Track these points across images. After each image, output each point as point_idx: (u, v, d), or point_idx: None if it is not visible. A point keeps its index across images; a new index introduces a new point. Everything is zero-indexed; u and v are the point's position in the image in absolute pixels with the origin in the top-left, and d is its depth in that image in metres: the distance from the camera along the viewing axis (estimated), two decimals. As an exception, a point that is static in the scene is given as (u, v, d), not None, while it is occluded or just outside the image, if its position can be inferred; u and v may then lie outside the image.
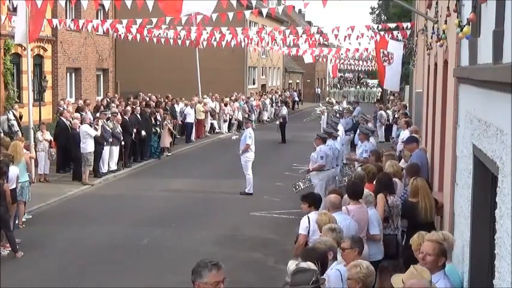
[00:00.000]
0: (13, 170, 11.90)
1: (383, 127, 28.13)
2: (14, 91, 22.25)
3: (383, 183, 9.02)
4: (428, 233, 6.53)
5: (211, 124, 32.15)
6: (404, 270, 7.65)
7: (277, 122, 31.17)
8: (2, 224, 11.19)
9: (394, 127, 23.96)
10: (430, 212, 8.29)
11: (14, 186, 11.84)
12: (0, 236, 11.53)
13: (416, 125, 18.00)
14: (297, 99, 54.07)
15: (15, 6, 16.89)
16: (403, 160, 12.06)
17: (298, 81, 64.83)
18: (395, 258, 8.50)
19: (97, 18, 27.57)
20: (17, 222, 12.92)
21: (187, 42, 26.72)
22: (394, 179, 9.53)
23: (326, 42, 47.10)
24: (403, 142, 13.42)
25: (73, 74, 28.04)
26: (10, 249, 11.41)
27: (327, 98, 45.81)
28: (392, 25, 25.41)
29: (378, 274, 8.60)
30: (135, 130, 21.06)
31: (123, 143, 20.01)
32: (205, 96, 32.07)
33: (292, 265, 6.05)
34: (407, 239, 8.26)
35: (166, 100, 28.47)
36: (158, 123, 23.03)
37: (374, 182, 9.52)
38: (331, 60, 44.73)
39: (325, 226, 6.91)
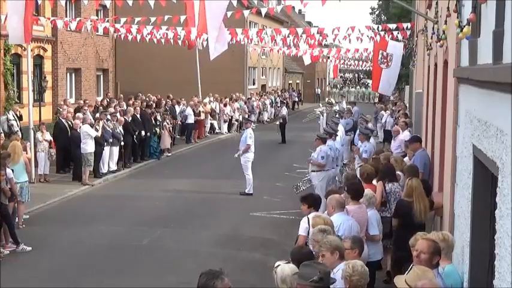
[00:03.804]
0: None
1: (383, 128, 28.05)
2: (14, 91, 22.22)
3: (383, 172, 9.98)
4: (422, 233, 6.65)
5: (211, 124, 32.15)
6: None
7: (277, 123, 31.18)
8: (7, 220, 11.38)
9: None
10: (425, 212, 8.40)
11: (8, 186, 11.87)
12: (1, 236, 11.56)
13: (416, 125, 18.00)
14: (296, 99, 54.02)
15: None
16: (407, 158, 12.11)
17: (298, 81, 64.80)
18: (390, 238, 9.13)
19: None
20: (16, 221, 12.94)
21: (187, 42, 26.67)
22: (397, 172, 10.26)
23: (326, 43, 47.06)
24: (405, 142, 13.46)
25: (73, 75, 28.01)
26: (11, 249, 11.48)
27: (327, 99, 45.79)
28: (392, 25, 25.36)
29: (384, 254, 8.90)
30: (137, 131, 21.10)
31: (122, 143, 20.03)
32: (207, 97, 32.06)
33: (279, 263, 5.99)
34: (398, 239, 8.32)
35: (167, 100, 28.47)
36: (158, 123, 23.03)
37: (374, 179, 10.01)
38: (331, 60, 44.63)
39: (316, 227, 6.88)
